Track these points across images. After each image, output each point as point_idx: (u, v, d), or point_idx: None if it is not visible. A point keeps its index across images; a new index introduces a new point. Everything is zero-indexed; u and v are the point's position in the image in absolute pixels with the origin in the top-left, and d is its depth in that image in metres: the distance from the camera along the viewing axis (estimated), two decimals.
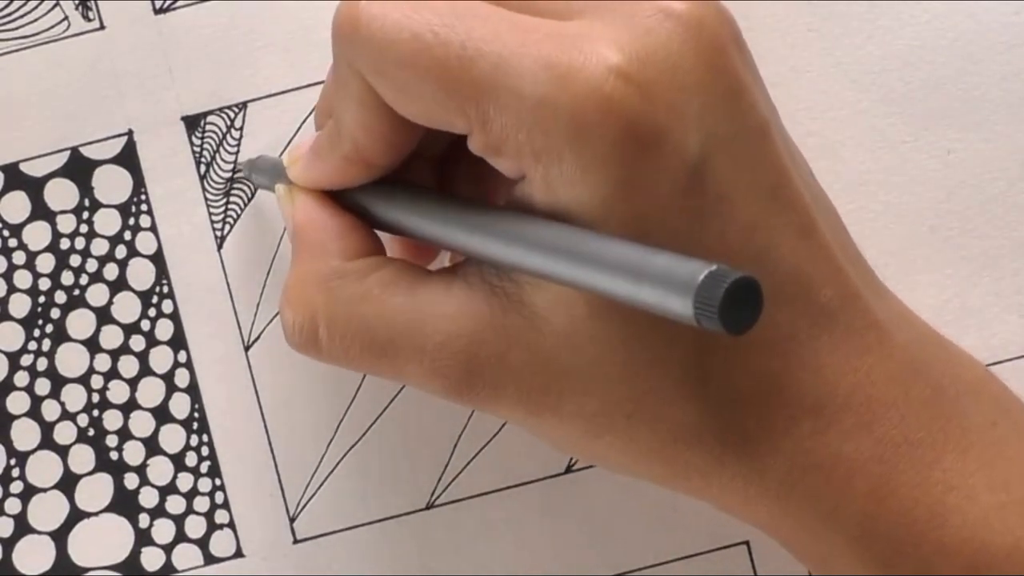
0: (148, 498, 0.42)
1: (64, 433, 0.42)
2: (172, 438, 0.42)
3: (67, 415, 0.42)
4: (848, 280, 0.33)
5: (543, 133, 0.31)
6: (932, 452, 0.33)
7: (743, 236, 0.32)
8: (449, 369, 0.33)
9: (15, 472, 0.42)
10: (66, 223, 0.42)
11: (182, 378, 0.42)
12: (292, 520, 0.42)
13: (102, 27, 0.42)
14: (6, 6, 0.42)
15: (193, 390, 0.42)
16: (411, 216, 0.35)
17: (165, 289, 0.42)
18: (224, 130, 0.42)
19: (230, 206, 0.42)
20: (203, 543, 0.42)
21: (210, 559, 0.42)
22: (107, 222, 0.42)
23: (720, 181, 0.32)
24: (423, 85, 0.32)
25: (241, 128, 0.42)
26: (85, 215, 0.42)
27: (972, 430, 0.33)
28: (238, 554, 0.42)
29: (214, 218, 0.42)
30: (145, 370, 0.42)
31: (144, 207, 0.42)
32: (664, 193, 0.31)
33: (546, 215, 0.32)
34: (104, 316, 0.42)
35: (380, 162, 0.35)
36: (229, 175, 0.42)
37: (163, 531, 0.42)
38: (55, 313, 0.42)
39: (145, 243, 0.42)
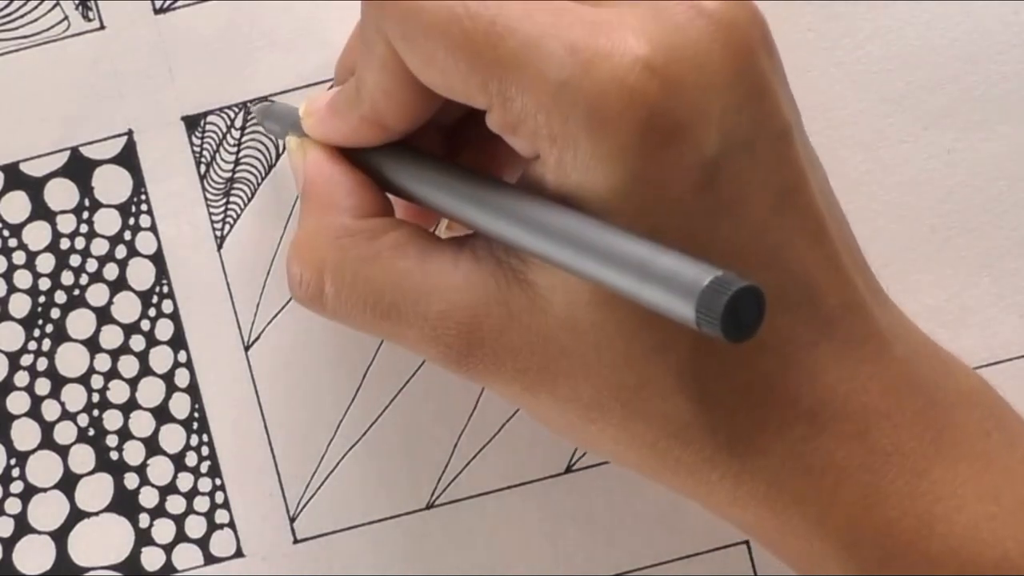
0: (148, 498, 0.42)
1: (64, 433, 0.42)
2: (172, 438, 0.42)
3: (67, 415, 0.42)
4: (854, 289, 0.33)
5: (562, 117, 0.31)
6: (922, 462, 0.33)
7: (753, 238, 0.32)
8: (449, 338, 0.33)
9: (15, 472, 0.42)
10: (66, 223, 0.42)
11: (182, 378, 0.42)
12: (292, 520, 0.42)
13: (102, 27, 0.42)
14: (6, 6, 0.42)
15: (193, 390, 0.42)
16: (422, 184, 0.35)
17: (165, 289, 0.42)
18: (224, 130, 0.42)
19: (230, 206, 0.42)
20: (203, 543, 0.42)
21: (210, 559, 0.42)
22: (107, 222, 0.42)
23: (735, 182, 0.32)
24: (448, 57, 0.31)
25: (241, 128, 0.42)
26: (85, 215, 0.42)
27: (964, 441, 0.33)
28: (238, 554, 0.42)
29: (214, 218, 0.42)
30: (145, 370, 0.42)
31: (144, 207, 0.42)
32: (677, 189, 0.31)
33: (556, 198, 0.31)
34: (104, 316, 0.42)
35: (397, 127, 0.35)
36: (229, 175, 0.42)
37: (163, 531, 0.42)
38: (55, 313, 0.42)
39: (145, 243, 0.42)
